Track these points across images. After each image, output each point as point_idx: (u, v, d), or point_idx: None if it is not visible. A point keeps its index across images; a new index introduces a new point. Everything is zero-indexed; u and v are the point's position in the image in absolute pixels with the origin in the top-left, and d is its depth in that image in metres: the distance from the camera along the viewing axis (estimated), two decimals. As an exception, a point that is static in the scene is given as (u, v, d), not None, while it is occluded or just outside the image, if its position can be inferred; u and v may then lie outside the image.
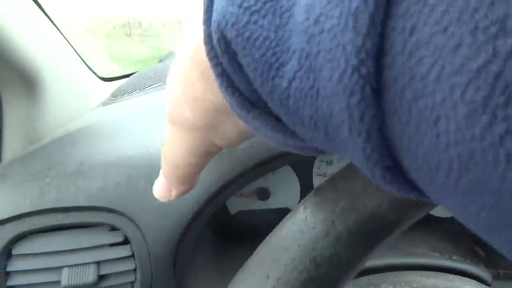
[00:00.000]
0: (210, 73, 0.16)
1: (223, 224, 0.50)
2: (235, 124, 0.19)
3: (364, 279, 0.36)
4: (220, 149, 0.21)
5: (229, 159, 0.33)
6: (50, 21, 0.48)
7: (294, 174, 0.50)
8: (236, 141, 0.20)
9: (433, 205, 0.17)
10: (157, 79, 0.56)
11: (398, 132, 0.10)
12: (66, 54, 0.53)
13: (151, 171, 0.33)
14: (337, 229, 0.16)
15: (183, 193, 0.24)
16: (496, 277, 0.43)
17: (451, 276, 0.36)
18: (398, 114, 0.10)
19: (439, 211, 0.49)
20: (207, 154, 0.21)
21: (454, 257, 0.40)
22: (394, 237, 0.18)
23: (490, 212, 0.09)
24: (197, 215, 0.33)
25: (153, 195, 0.33)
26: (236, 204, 0.50)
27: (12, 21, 0.38)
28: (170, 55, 0.89)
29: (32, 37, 0.42)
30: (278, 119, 0.15)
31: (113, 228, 0.33)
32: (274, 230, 0.18)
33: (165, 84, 0.54)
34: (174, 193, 0.23)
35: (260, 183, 0.50)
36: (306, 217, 0.17)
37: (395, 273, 0.36)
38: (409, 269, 0.37)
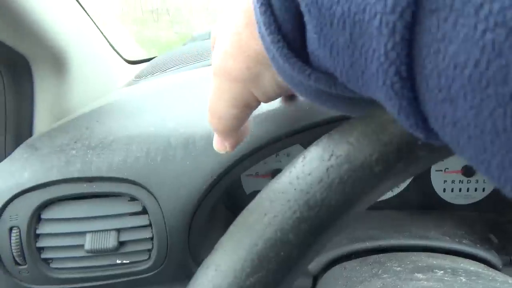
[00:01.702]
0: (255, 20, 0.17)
1: (238, 203, 0.51)
2: (273, 77, 0.21)
3: (372, 258, 0.37)
4: (259, 102, 0.23)
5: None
6: (79, 4, 0.51)
7: (301, 147, 0.51)
8: (273, 95, 0.22)
9: (424, 163, 0.18)
10: (177, 62, 0.58)
11: (433, 32, 0.11)
12: (93, 36, 0.55)
13: (168, 146, 0.35)
14: (330, 176, 0.17)
15: (235, 144, 0.26)
16: (508, 264, 0.42)
17: (458, 259, 0.36)
18: (438, 12, 0.10)
19: (454, 198, 0.49)
20: (247, 106, 0.23)
21: (464, 241, 0.40)
22: (388, 190, 0.18)
23: (507, 109, 0.09)
24: (211, 188, 0.35)
25: (170, 168, 0.35)
26: (252, 184, 0.51)
27: (44, 1, 0.40)
28: (193, 39, 0.90)
29: (62, 17, 0.44)
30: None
31: (133, 198, 0.35)
32: (276, 176, 0.20)
33: (185, 65, 0.56)
34: (227, 145, 0.26)
35: (275, 164, 0.51)
36: (303, 165, 0.18)
37: (402, 253, 0.37)
38: (417, 250, 0.38)
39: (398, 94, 0.12)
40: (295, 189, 0.18)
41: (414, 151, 0.17)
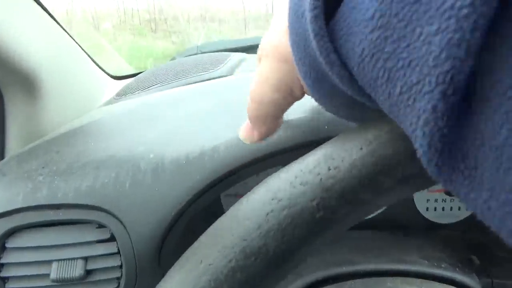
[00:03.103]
0: None
1: (218, 223, 0.50)
2: None
3: (347, 284, 0.36)
4: (302, 94, 0.23)
5: (213, 160, 0.34)
6: (54, 22, 0.50)
7: None
8: None
9: (370, 207, 0.17)
10: (160, 79, 0.58)
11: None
12: (72, 54, 0.55)
13: (137, 171, 0.35)
14: (269, 222, 0.16)
15: (264, 135, 0.26)
16: (490, 287, 0.42)
17: (435, 284, 0.35)
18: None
19: (437, 217, 0.48)
20: (290, 93, 0.23)
21: (443, 265, 0.39)
22: (334, 234, 0.18)
23: None
24: (180, 214, 0.34)
25: (138, 194, 0.34)
26: (232, 204, 0.51)
27: (12, 22, 0.40)
28: (183, 53, 0.90)
29: (33, 38, 0.43)
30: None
31: (101, 225, 0.35)
32: (218, 219, 0.19)
33: (166, 84, 0.56)
34: (256, 134, 0.26)
35: (255, 184, 0.50)
36: (244, 208, 0.18)
37: (378, 278, 0.36)
38: (394, 275, 0.37)
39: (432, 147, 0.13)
40: (232, 235, 0.17)
41: (358, 196, 0.16)
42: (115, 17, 4.13)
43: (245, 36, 3.89)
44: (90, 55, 0.66)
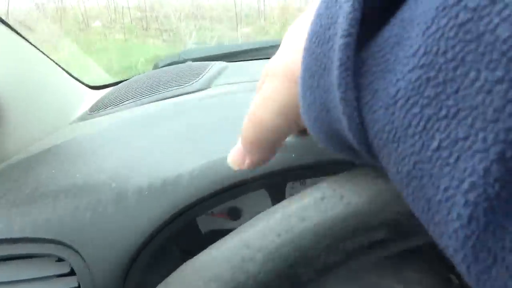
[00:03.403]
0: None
1: (193, 243, 0.49)
2: None
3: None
4: None
5: (176, 191, 0.33)
6: (22, 38, 0.49)
7: (266, 193, 0.49)
8: None
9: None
10: (134, 93, 0.56)
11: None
12: (38, 68, 0.53)
13: (98, 202, 0.33)
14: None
15: (257, 163, 0.23)
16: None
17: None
18: None
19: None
20: (296, 119, 0.20)
21: (419, 290, 0.38)
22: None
23: None
24: (144, 247, 0.33)
25: (99, 226, 0.33)
26: (208, 223, 0.49)
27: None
28: (165, 60, 0.88)
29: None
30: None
31: (60, 259, 0.33)
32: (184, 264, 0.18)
33: (142, 98, 0.54)
34: (247, 161, 0.23)
35: (231, 202, 0.49)
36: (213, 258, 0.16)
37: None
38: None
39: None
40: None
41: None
42: (105, 15, 4.08)
43: (237, 34, 3.86)
44: (73, 61, 0.64)
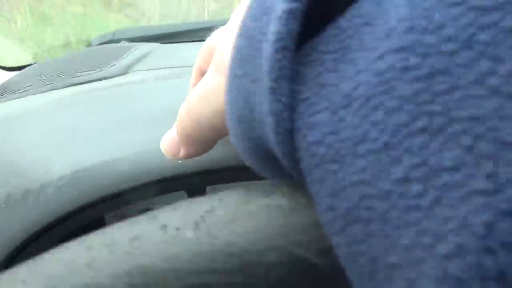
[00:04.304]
0: None
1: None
2: None
3: None
4: None
5: (39, 203, 0.27)
6: None
7: (185, 194, 0.45)
8: None
9: None
10: (43, 78, 0.49)
11: None
12: None
13: None
14: None
15: (192, 155, 0.23)
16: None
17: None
18: None
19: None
20: None
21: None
22: None
23: None
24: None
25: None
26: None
27: None
28: (96, 40, 0.81)
29: None
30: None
31: None
32: None
33: (48, 84, 0.48)
34: (182, 153, 0.23)
35: (146, 203, 0.44)
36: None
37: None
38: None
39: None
40: None
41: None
42: (63, -13, 3.86)
43: (204, 10, 3.75)
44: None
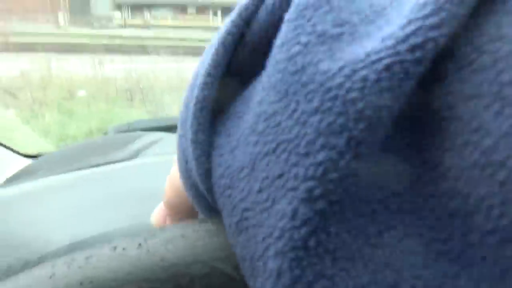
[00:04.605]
0: None
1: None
2: None
3: None
4: None
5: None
6: None
7: None
8: None
9: None
10: (57, 162, 0.54)
11: None
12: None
13: None
14: None
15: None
16: None
17: None
18: None
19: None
20: None
21: None
22: None
23: None
24: None
25: None
26: None
27: None
28: (112, 130, 0.87)
29: None
30: None
31: None
32: None
33: (60, 167, 0.51)
34: (168, 222, 0.23)
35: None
36: None
37: None
38: None
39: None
40: None
41: None
42: (91, 85, 4.20)
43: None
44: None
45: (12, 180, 0.52)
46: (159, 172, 0.43)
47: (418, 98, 0.10)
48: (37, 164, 0.57)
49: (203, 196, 0.15)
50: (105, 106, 3.81)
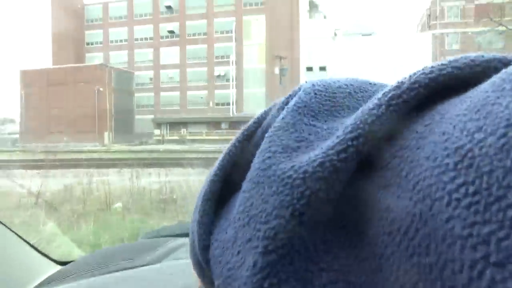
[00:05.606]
0: None
1: None
2: None
3: None
4: None
5: None
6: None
7: None
8: None
9: None
10: (87, 267, 0.56)
11: None
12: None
13: None
14: None
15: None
16: None
17: None
18: None
19: None
20: None
21: None
22: None
23: None
24: None
25: None
26: None
27: None
28: (144, 235, 0.90)
29: None
30: None
31: None
32: None
33: (89, 272, 0.54)
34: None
35: None
36: None
37: None
38: None
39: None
40: None
41: None
42: (127, 197, 4.35)
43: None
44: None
45: (43, 284, 0.55)
46: (180, 274, 0.45)
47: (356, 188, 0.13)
48: (68, 269, 0.60)
49: (204, 269, 0.18)
50: (139, 216, 3.90)
